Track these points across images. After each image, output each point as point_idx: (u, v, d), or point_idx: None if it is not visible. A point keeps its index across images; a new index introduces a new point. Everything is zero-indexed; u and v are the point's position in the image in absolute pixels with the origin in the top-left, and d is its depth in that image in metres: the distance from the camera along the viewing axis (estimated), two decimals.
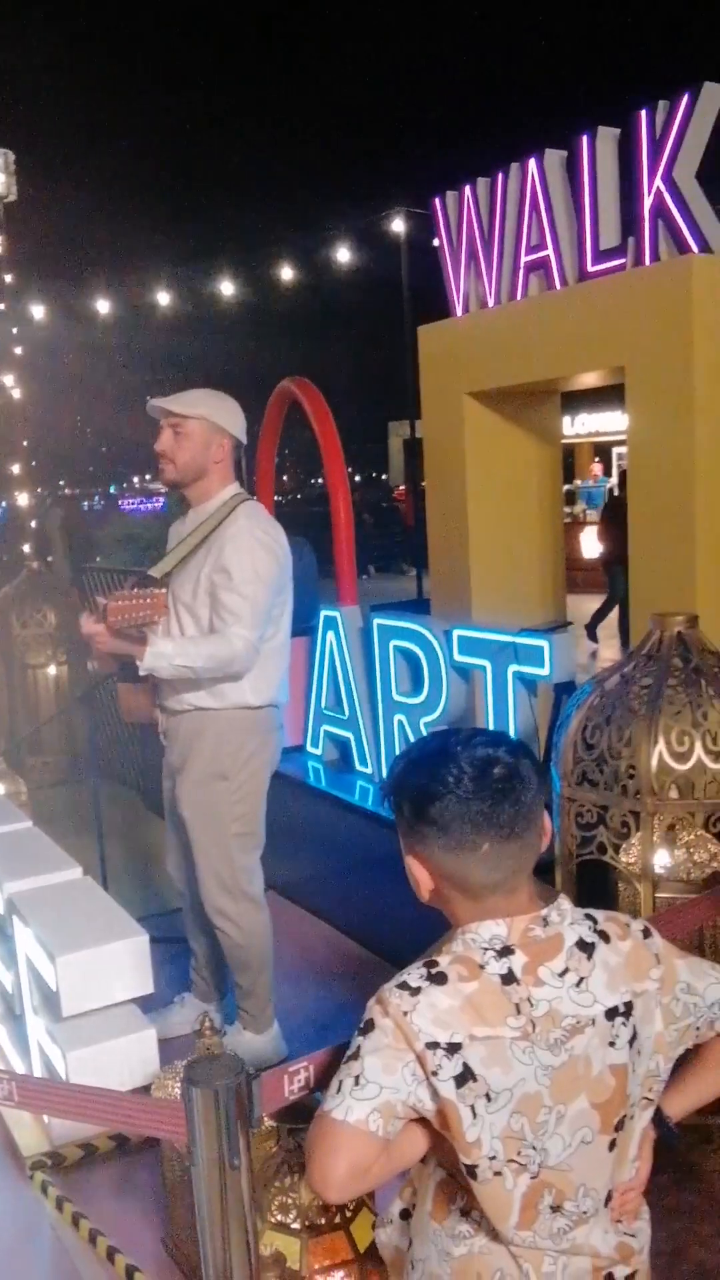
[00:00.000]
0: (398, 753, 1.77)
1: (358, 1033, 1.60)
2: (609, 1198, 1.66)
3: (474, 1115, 1.53)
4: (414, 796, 1.66)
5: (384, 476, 41.66)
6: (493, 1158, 1.55)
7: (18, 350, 10.16)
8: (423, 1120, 1.60)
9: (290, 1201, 2.44)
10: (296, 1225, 2.42)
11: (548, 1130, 1.57)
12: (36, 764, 7.50)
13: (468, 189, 5.68)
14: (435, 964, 1.60)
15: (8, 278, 10.07)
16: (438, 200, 5.91)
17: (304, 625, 6.09)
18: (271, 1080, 1.85)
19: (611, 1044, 1.60)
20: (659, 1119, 1.75)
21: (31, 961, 3.40)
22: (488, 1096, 1.53)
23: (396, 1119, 1.56)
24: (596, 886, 3.58)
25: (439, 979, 1.58)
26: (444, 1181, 1.67)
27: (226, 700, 3.63)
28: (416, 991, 1.57)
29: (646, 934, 1.71)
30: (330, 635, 5.70)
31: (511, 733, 4.69)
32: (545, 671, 4.51)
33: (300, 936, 5.10)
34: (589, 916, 1.68)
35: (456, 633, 4.92)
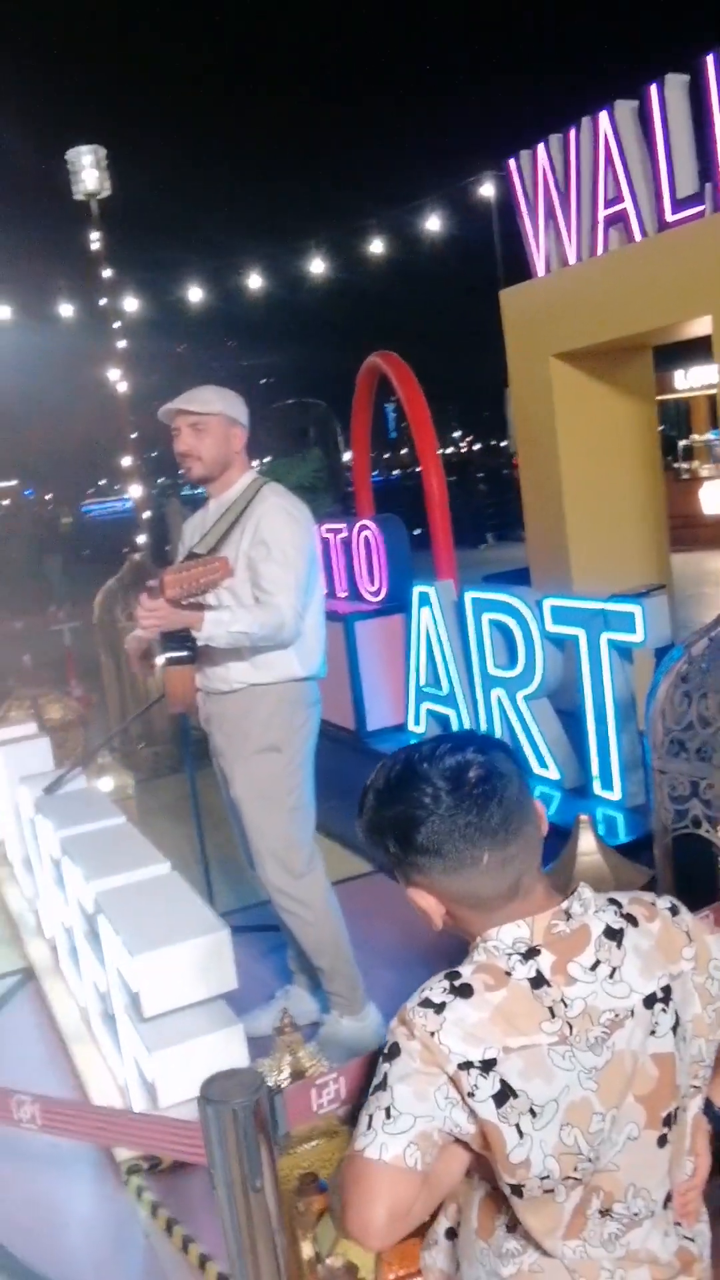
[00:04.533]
0: (365, 784, 1.63)
1: (382, 1059, 1.48)
2: (668, 1199, 1.54)
3: (520, 1134, 1.41)
4: (396, 829, 1.54)
5: (504, 444, 41.22)
6: (545, 1177, 1.43)
7: (121, 344, 10.25)
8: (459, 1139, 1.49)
9: None
10: None
11: (603, 1138, 1.46)
12: (149, 754, 7.56)
13: (541, 147, 5.54)
14: (457, 975, 1.49)
15: (106, 272, 10.14)
16: (512, 161, 5.77)
17: (398, 603, 6.01)
18: (298, 1094, 1.76)
19: (653, 1032, 1.48)
20: (710, 1110, 1.63)
21: (116, 961, 3.38)
22: (532, 1112, 1.42)
23: (433, 1147, 1.44)
24: (701, 863, 3.42)
25: (464, 991, 1.46)
26: (488, 1196, 1.55)
27: (277, 673, 3.67)
28: (441, 1008, 1.45)
29: (675, 911, 1.59)
30: (425, 611, 5.59)
31: (609, 702, 4.54)
32: (639, 637, 4.35)
33: (405, 919, 5.01)
34: (613, 901, 1.57)
35: (548, 602, 4.78)
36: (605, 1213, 1.49)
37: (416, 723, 5.88)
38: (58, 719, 7.08)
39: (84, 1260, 3.01)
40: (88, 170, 9.33)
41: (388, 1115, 1.42)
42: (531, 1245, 1.51)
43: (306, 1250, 2.32)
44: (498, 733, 5.18)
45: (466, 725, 5.40)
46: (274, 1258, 1.66)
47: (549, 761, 5.00)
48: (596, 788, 4.71)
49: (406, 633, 5.85)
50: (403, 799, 1.53)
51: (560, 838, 3.98)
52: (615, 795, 4.62)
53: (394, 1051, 1.47)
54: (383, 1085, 1.45)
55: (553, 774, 4.99)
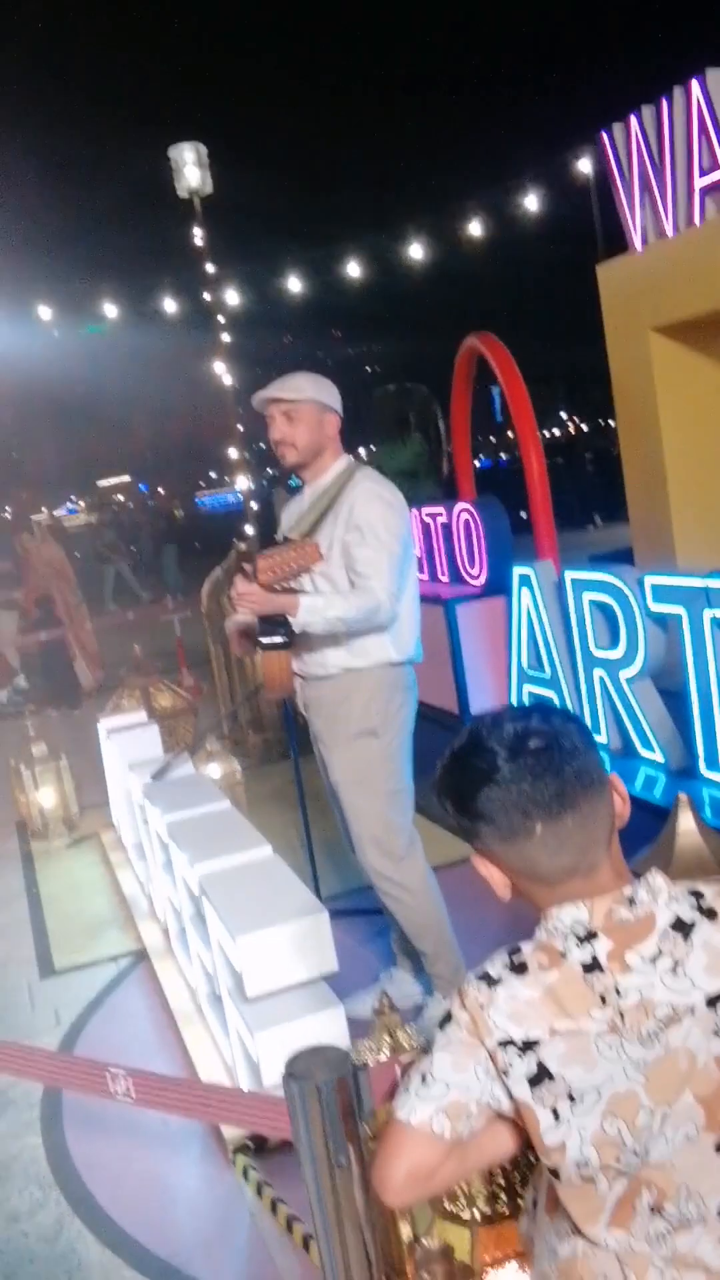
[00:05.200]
0: None
1: (438, 1026, 1.51)
2: None
3: (556, 1118, 1.42)
4: (455, 794, 1.55)
5: (612, 423, 40.65)
6: (583, 1164, 1.43)
7: (226, 338, 10.34)
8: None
9: (460, 1190, 2.36)
10: (467, 1214, 2.33)
11: (652, 1133, 1.43)
12: (257, 741, 7.64)
13: (633, 119, 5.45)
14: (518, 951, 1.50)
15: (209, 268, 10.23)
16: (604, 134, 5.69)
17: (499, 585, 5.98)
18: (383, 1071, 1.77)
19: (716, 1033, 1.43)
20: None
21: (220, 943, 3.44)
22: (570, 1097, 1.41)
23: (469, 1118, 1.46)
24: None
25: (520, 969, 1.48)
26: None
27: (372, 658, 3.68)
28: (496, 983, 1.47)
29: None
30: (525, 593, 5.55)
31: (713, 681, 4.46)
32: None
33: (509, 902, 4.99)
34: (694, 893, 1.51)
35: (649, 580, 4.70)
36: (655, 1210, 1.46)
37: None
38: (168, 707, 7.20)
39: (191, 1237, 3.07)
40: (190, 167, 9.43)
41: (423, 1081, 1.48)
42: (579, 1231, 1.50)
43: (404, 1231, 2.33)
44: (600, 714, 5.13)
45: (570, 709, 5.34)
46: (360, 1234, 1.67)
47: (653, 743, 4.92)
48: (702, 768, 4.63)
49: (508, 615, 5.81)
50: (464, 764, 1.54)
51: (662, 819, 3.92)
52: None
53: (446, 1020, 1.51)
54: (428, 1051, 1.50)
55: (657, 756, 4.92)
